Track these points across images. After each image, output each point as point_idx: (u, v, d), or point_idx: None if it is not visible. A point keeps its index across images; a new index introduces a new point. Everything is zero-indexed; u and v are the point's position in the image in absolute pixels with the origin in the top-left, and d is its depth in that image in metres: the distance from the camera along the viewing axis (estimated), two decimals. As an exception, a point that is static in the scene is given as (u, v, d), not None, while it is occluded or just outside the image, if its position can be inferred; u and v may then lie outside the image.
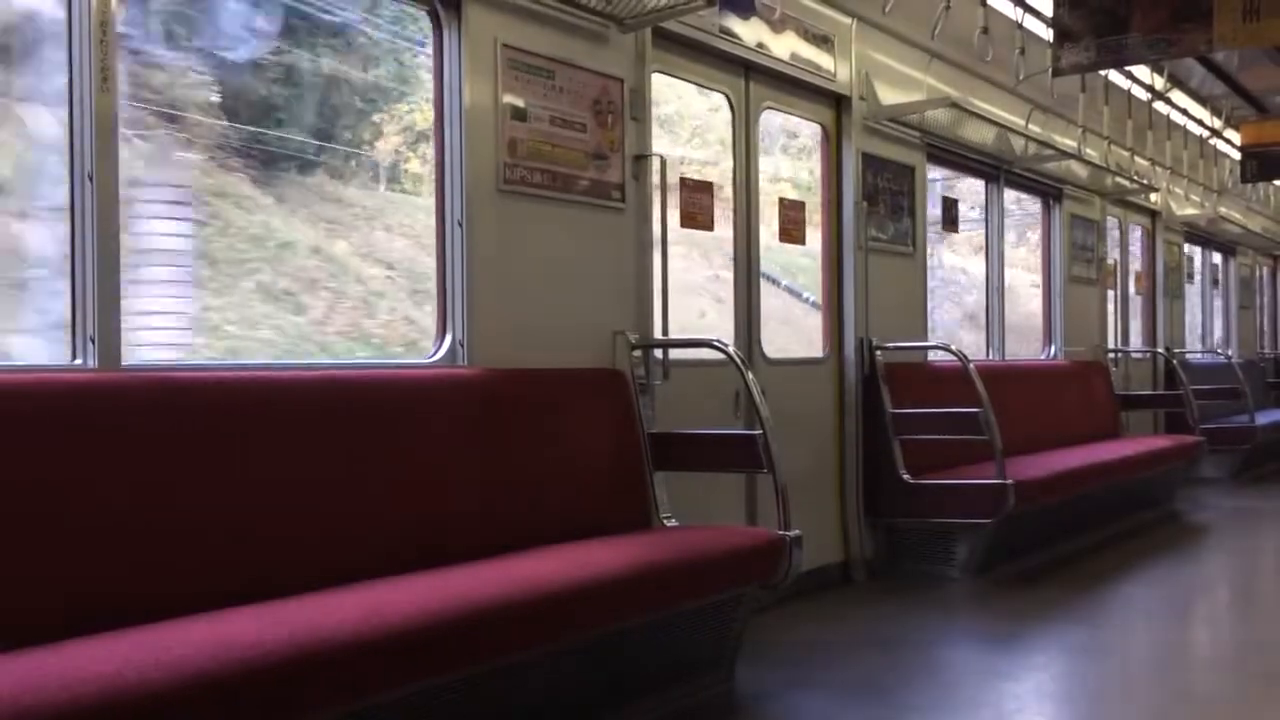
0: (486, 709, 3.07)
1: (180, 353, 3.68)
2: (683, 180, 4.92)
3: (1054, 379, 8.22)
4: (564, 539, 3.75)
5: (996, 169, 7.62)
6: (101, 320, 3.00)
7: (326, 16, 4.19)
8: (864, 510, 5.88)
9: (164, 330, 3.78)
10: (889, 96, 6.15)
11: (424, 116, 4.11)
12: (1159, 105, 9.24)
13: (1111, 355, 9.28)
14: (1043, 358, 8.53)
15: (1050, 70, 6.52)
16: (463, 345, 3.93)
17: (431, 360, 3.92)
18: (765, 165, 5.58)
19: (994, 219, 7.81)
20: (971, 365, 5.75)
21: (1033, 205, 8.69)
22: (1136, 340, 10.17)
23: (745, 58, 5.20)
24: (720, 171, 5.34)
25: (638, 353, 4.50)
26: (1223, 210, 11.41)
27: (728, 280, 5.37)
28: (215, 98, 3.91)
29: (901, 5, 6.02)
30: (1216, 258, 12.55)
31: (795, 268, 6.34)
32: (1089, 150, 8.39)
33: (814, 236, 5.87)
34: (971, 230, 7.96)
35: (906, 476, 5.81)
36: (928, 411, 5.84)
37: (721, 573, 3.70)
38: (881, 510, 5.89)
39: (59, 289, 3.22)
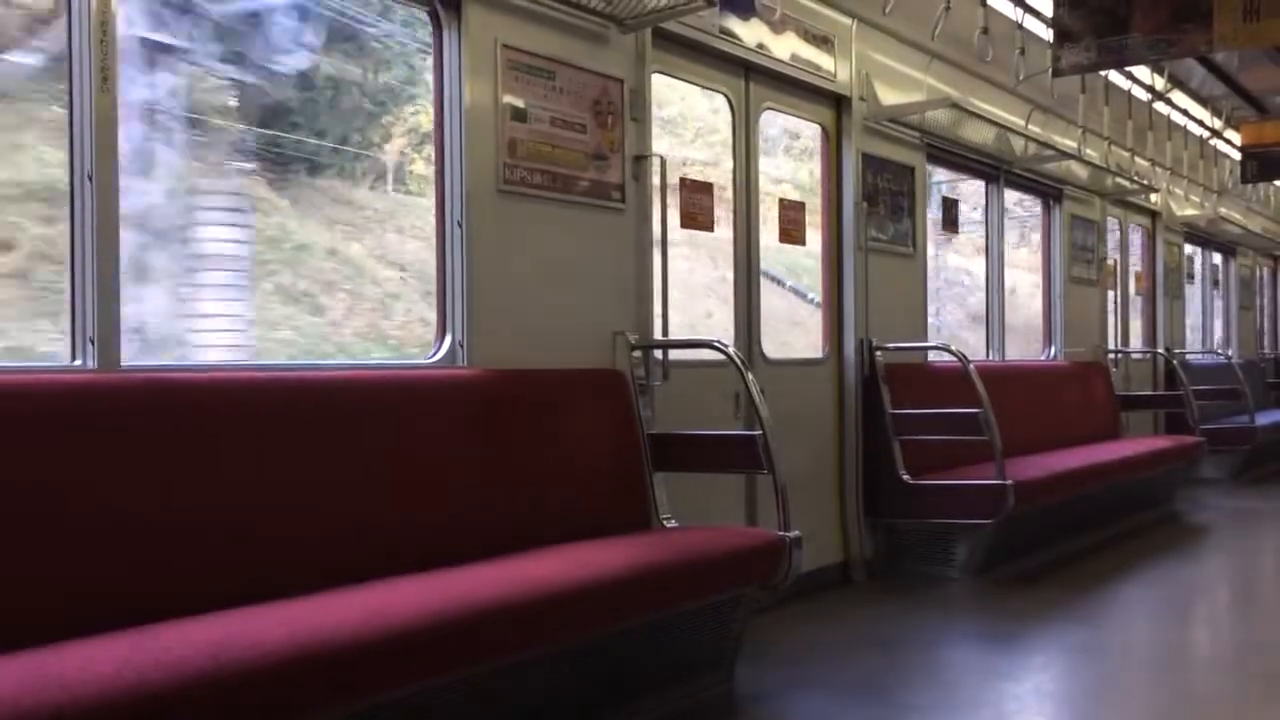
0: (486, 709, 3.07)
1: (242, 354, 3.78)
2: (683, 181, 4.92)
3: (1054, 379, 8.22)
4: (564, 539, 3.75)
5: (996, 169, 7.62)
6: (101, 321, 3.00)
7: (341, 20, 4.22)
8: (864, 511, 5.88)
9: (225, 332, 3.97)
10: (889, 97, 6.15)
11: (429, 118, 4.12)
12: (1159, 106, 9.24)
13: (1111, 356, 9.28)
14: (1043, 358, 8.53)
15: (1050, 70, 6.52)
16: (463, 346, 3.93)
17: (431, 361, 3.93)
18: (768, 166, 5.59)
19: (994, 219, 7.82)
20: (971, 366, 5.75)
21: (1036, 206, 8.69)
22: (1136, 341, 10.17)
23: (745, 58, 5.20)
24: (724, 172, 5.34)
25: (638, 353, 4.50)
26: (1223, 211, 11.41)
27: (728, 279, 5.37)
28: (234, 102, 3.97)
29: (901, 6, 6.03)
30: (1217, 258, 12.55)
31: (800, 269, 6.35)
32: (1089, 151, 8.39)
33: (814, 237, 5.88)
34: (975, 232, 7.96)
35: (906, 477, 5.81)
36: (927, 412, 5.84)
37: (721, 573, 3.70)
38: (881, 511, 5.90)
39: (129, 294, 3.32)
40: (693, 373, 4.78)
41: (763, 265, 5.48)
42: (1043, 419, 7.47)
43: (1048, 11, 6.55)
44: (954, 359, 5.93)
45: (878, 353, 5.94)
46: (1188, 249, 11.31)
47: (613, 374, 4.37)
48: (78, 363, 3.00)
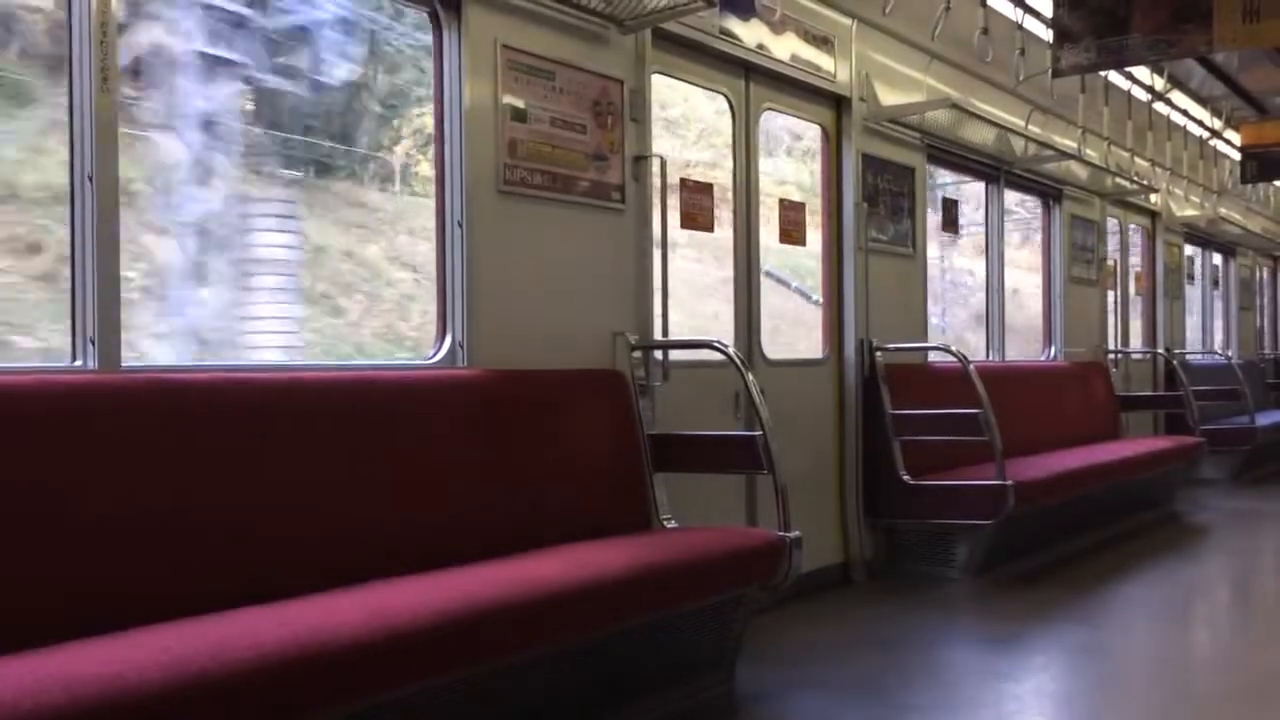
0: (486, 709, 3.07)
1: (292, 354, 3.89)
2: (683, 181, 4.92)
3: (1054, 380, 8.22)
4: (564, 540, 3.75)
5: (996, 170, 7.62)
6: (101, 321, 3.00)
7: (356, 25, 4.26)
8: (864, 511, 5.88)
9: (277, 334, 4.11)
10: (889, 97, 6.15)
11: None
12: (1159, 106, 9.24)
13: (1111, 356, 9.28)
14: (1043, 359, 8.53)
15: (1050, 71, 6.53)
16: (462, 346, 3.94)
17: (431, 361, 3.93)
18: (770, 167, 5.59)
19: (994, 220, 7.82)
20: (971, 366, 5.76)
21: (1039, 207, 8.69)
22: (1136, 341, 10.17)
23: (745, 59, 5.21)
24: (727, 173, 5.34)
25: (638, 354, 4.50)
26: (1223, 211, 11.41)
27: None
28: (251, 106, 4.05)
29: (901, 6, 6.03)
30: (1216, 258, 12.55)
31: (804, 270, 6.36)
32: (1089, 151, 8.39)
33: (814, 238, 5.88)
34: (979, 233, 7.96)
35: (906, 477, 5.82)
36: (928, 412, 5.84)
37: (721, 574, 3.70)
38: (881, 511, 5.90)
39: (189, 298, 3.67)
40: (693, 373, 4.78)
41: (770, 267, 5.49)
42: (1043, 419, 7.47)
43: (1048, 12, 6.55)
44: (954, 359, 5.93)
45: (878, 353, 5.94)
46: (1188, 249, 11.31)
47: (613, 374, 4.37)
48: (78, 363, 3.00)
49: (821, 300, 6.02)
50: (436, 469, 3.58)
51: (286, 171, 4.18)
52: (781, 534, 3.89)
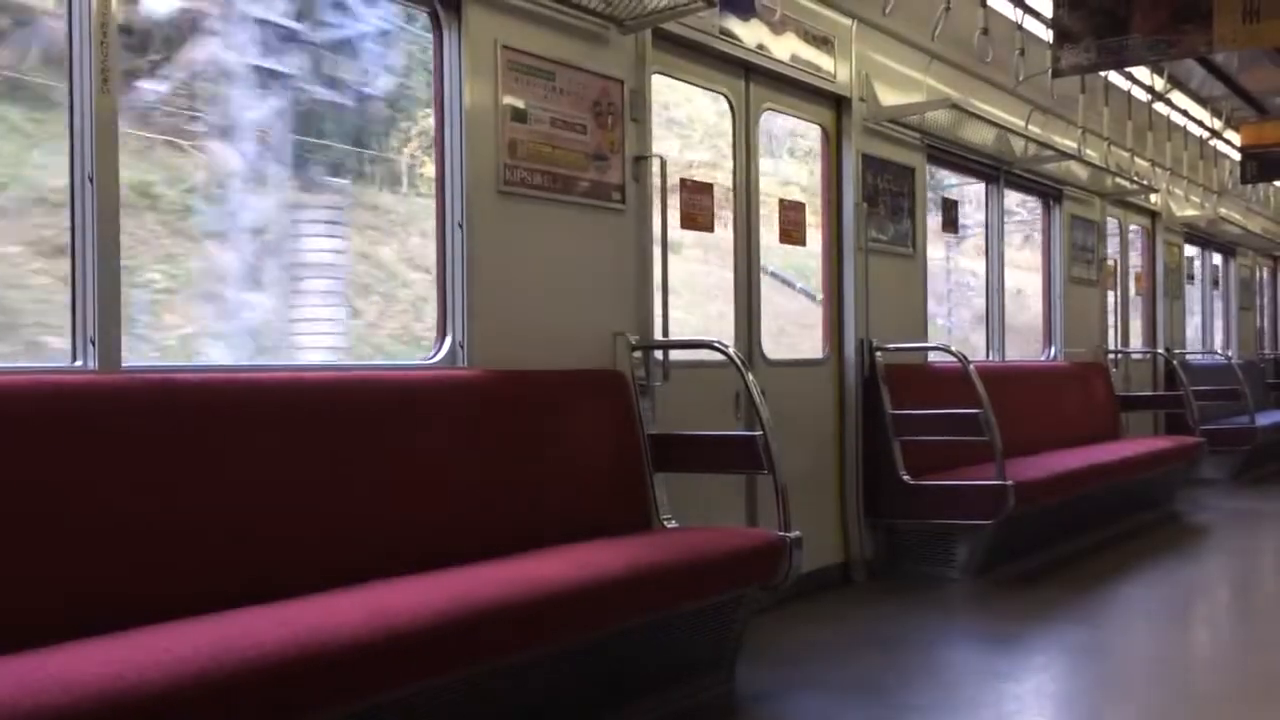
0: (486, 709, 3.07)
1: (338, 355, 4.00)
2: (683, 181, 4.93)
3: (1054, 380, 8.22)
4: (564, 540, 3.75)
5: (996, 170, 7.62)
6: (102, 322, 3.00)
7: (393, 35, 4.33)
8: (864, 511, 5.88)
9: (324, 335, 4.24)
10: (889, 98, 6.15)
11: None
12: (1159, 106, 9.24)
13: (1111, 356, 9.28)
14: (1043, 359, 8.53)
15: (1050, 71, 6.53)
16: (463, 346, 3.94)
17: (432, 361, 3.93)
18: (774, 169, 5.59)
19: (994, 220, 7.82)
20: (971, 366, 5.76)
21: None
22: (1136, 341, 10.17)
23: (745, 59, 5.21)
24: (729, 173, 5.34)
25: (638, 354, 4.50)
26: (1223, 211, 11.41)
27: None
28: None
29: (901, 6, 6.03)
30: (1216, 259, 12.55)
31: (809, 270, 6.36)
32: (1089, 151, 8.39)
33: (814, 238, 5.88)
34: (983, 233, 7.97)
35: (906, 477, 5.82)
36: (928, 413, 5.84)
37: (721, 574, 3.70)
38: (881, 511, 5.90)
39: (244, 301, 3.85)
40: (693, 373, 4.78)
41: (775, 268, 5.49)
42: (1043, 419, 7.47)
43: (1048, 12, 6.55)
44: (954, 359, 5.93)
45: (878, 353, 5.94)
46: (1188, 249, 11.31)
47: (613, 374, 4.37)
48: (78, 363, 3.00)
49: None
50: (436, 469, 3.58)
51: (333, 179, 4.32)
52: (781, 534, 3.90)
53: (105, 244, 3.00)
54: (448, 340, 3.93)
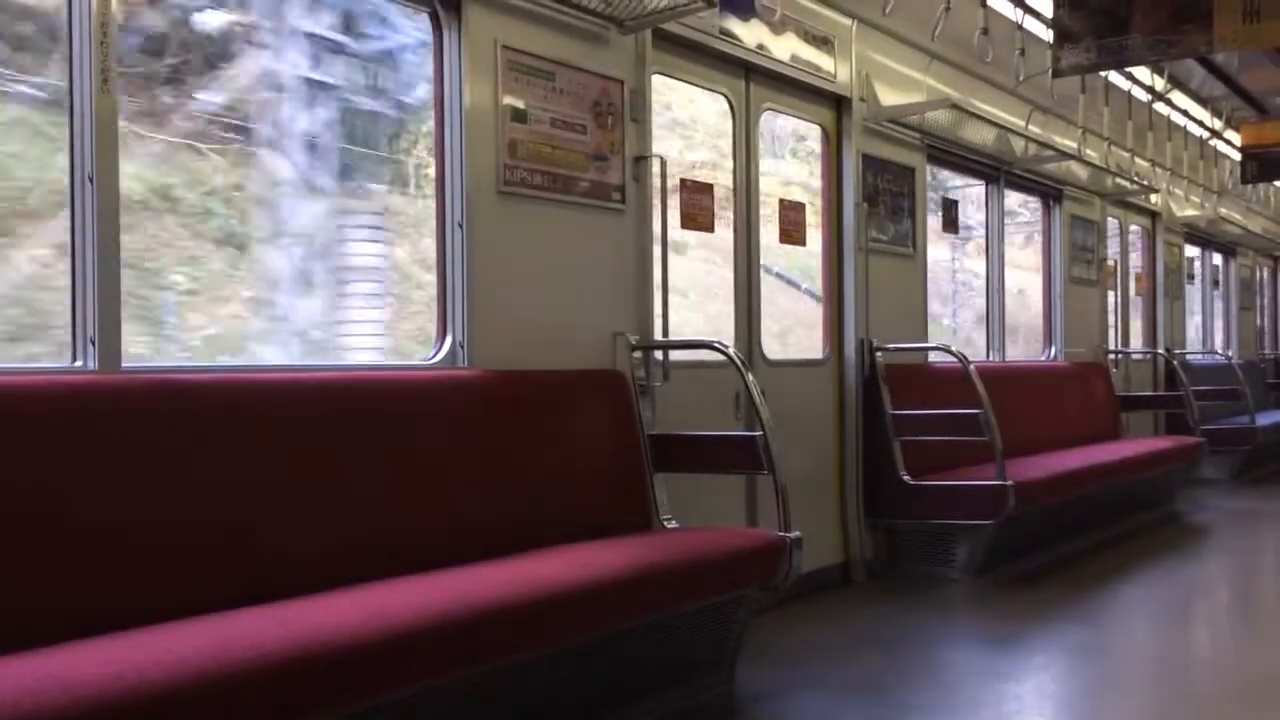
0: (486, 709, 3.07)
1: (380, 355, 4.11)
2: (683, 181, 4.93)
3: (1054, 380, 8.22)
4: (564, 540, 3.76)
5: (996, 170, 7.62)
6: (102, 322, 3.00)
7: (411, 39, 4.40)
8: (864, 511, 5.88)
9: (369, 337, 4.35)
10: (889, 98, 6.15)
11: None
12: (1159, 106, 9.24)
13: (1112, 356, 9.28)
14: (1043, 359, 8.53)
15: (1050, 71, 6.53)
16: (463, 347, 3.94)
17: (432, 362, 3.93)
18: (777, 169, 5.59)
19: (994, 221, 7.82)
20: (972, 366, 5.76)
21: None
22: (1137, 341, 10.17)
23: (745, 59, 5.21)
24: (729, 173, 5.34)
25: (638, 354, 4.50)
26: (1223, 211, 11.41)
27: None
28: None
29: (902, 6, 6.03)
30: (1217, 259, 12.55)
31: (814, 271, 6.36)
32: (1089, 151, 8.39)
33: (815, 237, 5.88)
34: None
35: (907, 478, 5.82)
36: (928, 413, 5.84)
37: (721, 574, 3.70)
38: (881, 511, 5.90)
39: (295, 304, 3.97)
40: (693, 373, 4.78)
41: (781, 269, 5.49)
42: (1043, 419, 7.47)
43: (1048, 12, 6.55)
44: (954, 359, 5.93)
45: (878, 353, 5.94)
46: (1188, 249, 11.31)
47: (613, 375, 4.37)
48: (78, 363, 3.00)
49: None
50: (437, 469, 3.58)
51: (375, 185, 4.44)
52: (782, 534, 3.90)
53: (105, 244, 3.01)
54: (448, 340, 3.93)
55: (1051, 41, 6.41)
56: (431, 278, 4.03)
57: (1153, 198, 9.90)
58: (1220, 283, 12.63)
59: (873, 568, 5.88)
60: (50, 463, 2.72)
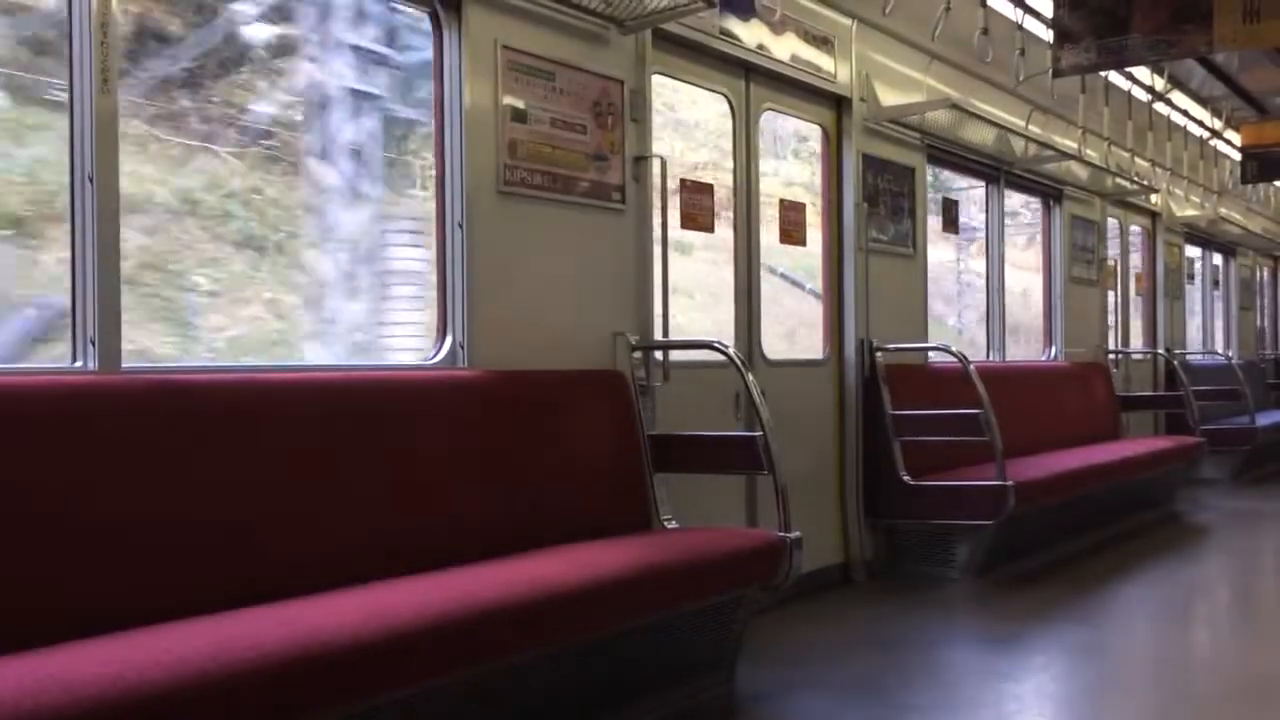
0: (486, 709, 3.07)
1: (419, 356, 4.16)
2: (683, 181, 4.93)
3: (1054, 380, 8.22)
4: (564, 540, 3.76)
5: (997, 170, 7.62)
6: (102, 322, 3.00)
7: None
8: (864, 511, 5.88)
9: (410, 338, 4.42)
10: (889, 98, 6.15)
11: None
12: (1159, 106, 9.24)
13: (1112, 356, 9.28)
14: (1043, 359, 8.53)
15: (1050, 71, 6.53)
16: (463, 347, 3.94)
17: (432, 362, 3.93)
18: (776, 169, 5.59)
19: (994, 221, 7.82)
20: (972, 366, 5.76)
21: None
22: (1137, 341, 10.17)
23: (745, 59, 5.21)
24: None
25: (638, 354, 4.50)
26: (1223, 211, 11.41)
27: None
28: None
29: (902, 6, 6.03)
30: (1217, 259, 12.55)
31: (818, 271, 6.36)
32: (1089, 151, 8.39)
33: (815, 238, 5.88)
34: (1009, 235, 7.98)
35: (907, 478, 5.81)
36: (928, 413, 5.84)
37: (722, 574, 3.70)
38: (882, 511, 5.90)
39: (338, 305, 4.13)
40: (693, 374, 4.78)
41: (785, 269, 5.49)
42: (1043, 419, 7.47)
43: (1048, 12, 6.55)
44: (954, 359, 5.93)
45: (878, 353, 5.94)
46: (1188, 249, 11.31)
47: (613, 375, 4.37)
48: (78, 364, 3.00)
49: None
50: (437, 469, 3.58)
51: (415, 191, 4.54)
52: (782, 534, 3.90)
53: (105, 244, 3.00)
54: (448, 340, 3.94)
55: (1051, 41, 6.41)
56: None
57: (1153, 198, 9.90)
58: (1220, 283, 12.63)
59: (873, 568, 5.88)
60: (50, 463, 2.72)
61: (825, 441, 5.80)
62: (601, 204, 4.42)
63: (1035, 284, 8.67)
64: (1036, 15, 6.93)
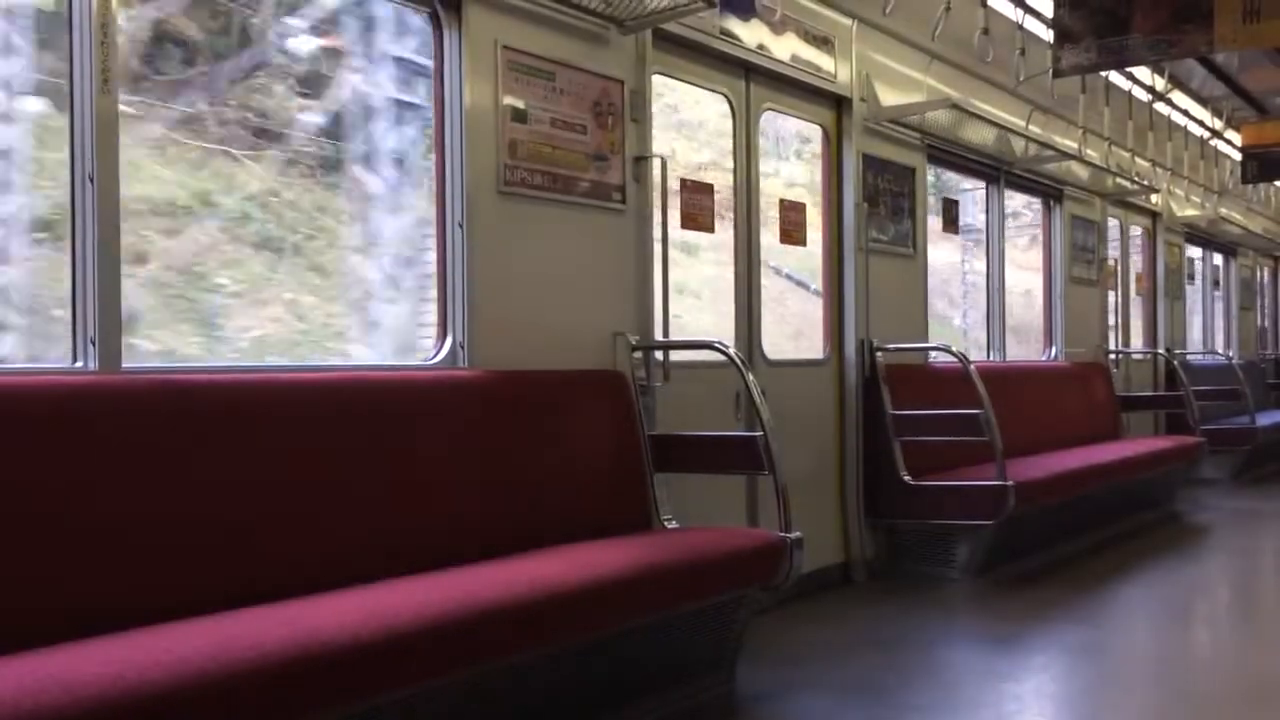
0: (486, 709, 3.08)
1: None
2: (683, 181, 4.93)
3: (1055, 380, 8.22)
4: (564, 540, 3.76)
5: (997, 170, 7.62)
6: (102, 322, 3.00)
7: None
8: (864, 511, 5.88)
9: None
10: (889, 98, 6.15)
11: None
12: (1159, 106, 9.24)
13: (1112, 356, 9.28)
14: (1043, 359, 8.53)
15: (1051, 71, 6.52)
16: (463, 347, 3.94)
17: (432, 362, 3.93)
18: (777, 170, 5.59)
19: (994, 220, 7.82)
20: (972, 366, 5.76)
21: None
22: (1137, 341, 10.17)
23: (745, 59, 5.21)
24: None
25: (638, 354, 4.50)
26: (1223, 211, 11.41)
27: (764, 285, 5.38)
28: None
29: (902, 6, 6.03)
30: (1217, 259, 12.55)
31: (818, 270, 6.37)
32: (1089, 151, 8.39)
33: (815, 238, 5.88)
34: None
35: (907, 478, 5.82)
36: (928, 413, 5.84)
37: (722, 574, 3.70)
38: (882, 511, 5.90)
39: (380, 307, 4.27)
40: (693, 374, 4.78)
41: (790, 270, 5.49)
42: (1043, 419, 7.47)
43: (1048, 12, 6.55)
44: (954, 359, 5.93)
45: (878, 353, 5.94)
46: (1188, 249, 11.31)
47: (613, 375, 4.37)
48: (79, 364, 3.00)
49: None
50: (437, 469, 3.58)
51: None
52: (782, 534, 3.90)
53: (105, 244, 3.01)
54: (448, 340, 3.94)
55: (1051, 41, 6.40)
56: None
57: (1153, 198, 9.90)
58: (1221, 283, 12.63)
59: (873, 568, 5.88)
60: (51, 463, 2.72)
61: (826, 441, 5.80)
62: (602, 204, 4.42)
63: (1038, 284, 8.67)
64: (1037, 15, 6.93)
